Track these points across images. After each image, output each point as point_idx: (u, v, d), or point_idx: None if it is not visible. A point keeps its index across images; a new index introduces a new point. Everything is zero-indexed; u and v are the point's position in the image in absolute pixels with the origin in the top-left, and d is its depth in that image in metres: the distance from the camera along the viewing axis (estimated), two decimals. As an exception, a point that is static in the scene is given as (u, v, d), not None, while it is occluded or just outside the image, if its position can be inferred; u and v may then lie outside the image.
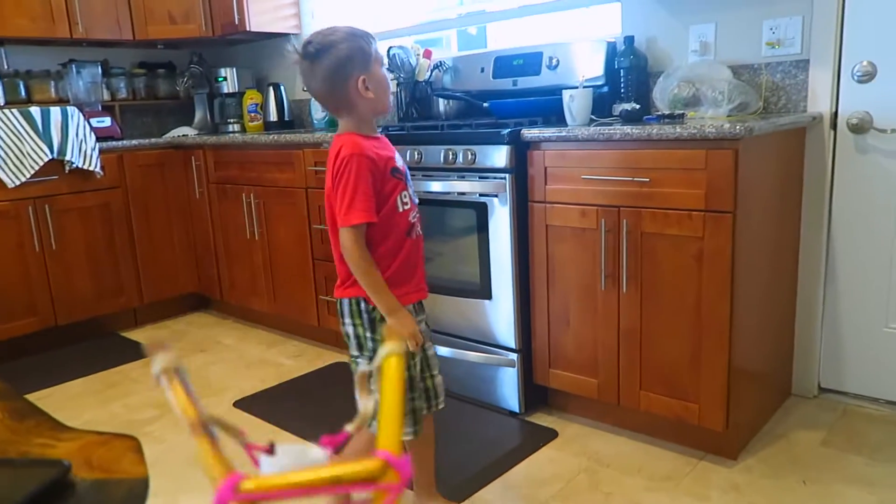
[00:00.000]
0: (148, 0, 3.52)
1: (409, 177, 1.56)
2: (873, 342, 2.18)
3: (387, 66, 1.54)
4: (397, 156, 1.54)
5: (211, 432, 0.28)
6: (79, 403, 2.58)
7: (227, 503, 0.26)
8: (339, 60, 1.43)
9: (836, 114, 2.13)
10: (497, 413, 2.29)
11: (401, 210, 1.50)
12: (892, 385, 2.16)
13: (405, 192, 1.51)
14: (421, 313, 1.61)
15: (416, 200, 1.58)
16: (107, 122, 3.41)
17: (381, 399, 0.31)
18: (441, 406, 1.65)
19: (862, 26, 2.05)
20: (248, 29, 3.42)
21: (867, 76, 2.07)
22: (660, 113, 2.14)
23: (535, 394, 2.30)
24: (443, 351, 2.33)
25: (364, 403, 0.31)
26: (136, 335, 3.34)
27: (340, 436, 0.29)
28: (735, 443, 1.94)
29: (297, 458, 0.29)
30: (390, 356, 0.32)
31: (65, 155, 3.01)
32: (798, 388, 2.32)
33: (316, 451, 0.30)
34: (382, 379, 0.32)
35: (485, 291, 2.24)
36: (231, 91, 3.80)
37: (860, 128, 2.08)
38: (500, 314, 2.23)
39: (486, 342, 2.29)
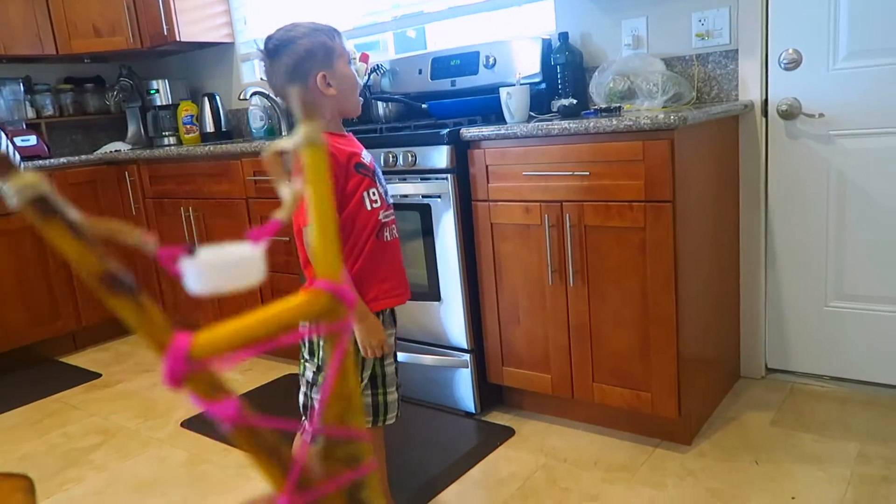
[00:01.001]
0: (70, 13, 3.38)
1: (381, 176, 1.51)
2: (815, 321, 2.24)
3: (350, 62, 1.48)
4: (365, 153, 1.49)
5: (125, 285, 0.23)
6: (14, 436, 2.45)
7: (181, 376, 0.23)
8: (298, 56, 1.39)
9: (766, 101, 2.18)
10: (453, 415, 2.27)
11: (369, 208, 1.44)
12: (835, 362, 2.23)
13: (373, 189, 1.45)
14: (391, 326, 1.54)
15: (391, 201, 1.52)
16: (32, 140, 3.26)
17: (313, 210, 0.27)
18: (390, 422, 1.56)
19: (786, 15, 2.11)
20: (178, 39, 3.32)
21: (793, 63, 2.12)
22: (597, 107, 2.16)
23: (491, 393, 2.28)
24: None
25: (289, 185, 0.27)
26: (76, 360, 3.20)
27: (268, 226, 0.26)
28: (688, 428, 1.97)
29: (226, 258, 0.25)
30: (310, 146, 0.27)
31: (-12, 176, 2.86)
32: (746, 370, 2.37)
33: (246, 247, 0.26)
34: (308, 177, 0.27)
35: (433, 293, 2.22)
36: (164, 103, 3.69)
37: (790, 114, 2.14)
38: (450, 315, 2.21)
39: (439, 344, 2.27)
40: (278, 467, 0.24)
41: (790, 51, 2.12)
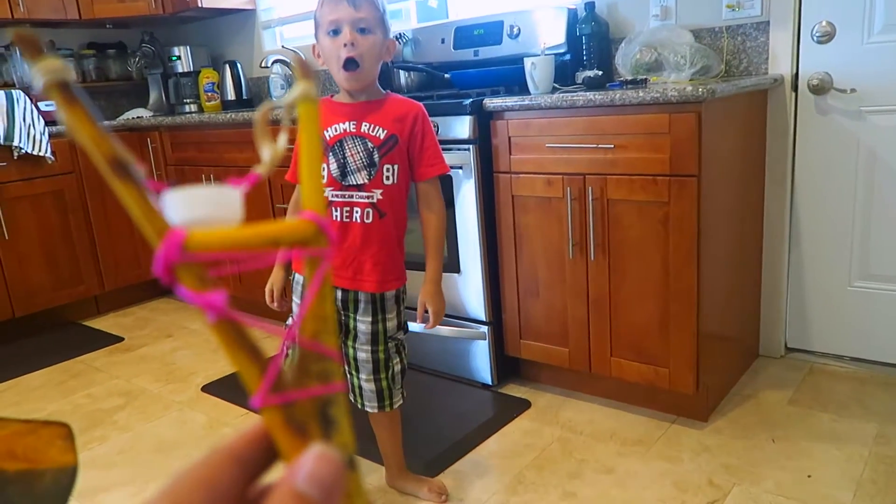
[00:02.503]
0: (93, -24, 3.38)
1: (347, 152, 1.47)
2: (838, 301, 2.21)
3: (331, 32, 1.43)
4: (336, 126, 1.47)
5: (133, 173, 0.24)
6: (41, 395, 2.50)
7: (174, 264, 0.24)
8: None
9: (796, 75, 2.13)
10: (470, 386, 2.29)
11: (324, 181, 1.45)
12: (856, 342, 2.21)
13: (324, 165, 1.46)
14: (350, 310, 1.54)
15: (357, 182, 1.47)
16: (55, 105, 3.27)
17: (303, 155, 0.29)
18: (367, 409, 1.61)
19: (820, -14, 2.05)
20: (200, 5, 3.31)
21: (826, 36, 2.07)
22: (623, 79, 2.12)
23: (508, 365, 2.29)
24: (414, 326, 2.31)
25: (267, 149, 0.29)
26: (99, 323, 3.26)
27: (249, 177, 0.27)
28: (705, 405, 1.96)
29: (205, 192, 0.26)
30: (304, 101, 0.30)
31: (12, 140, 2.89)
32: (765, 349, 2.35)
33: (229, 190, 0.27)
34: (301, 128, 0.30)
35: (453, 265, 2.22)
36: (186, 70, 3.69)
37: (820, 88, 2.09)
38: (469, 287, 2.21)
39: (457, 316, 2.27)
40: (256, 367, 0.26)
41: (823, 23, 2.06)
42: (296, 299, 1.60)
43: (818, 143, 2.14)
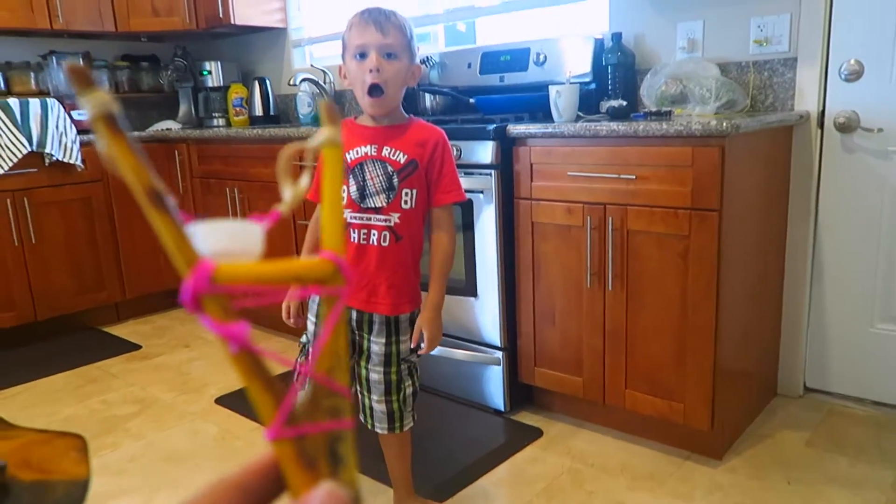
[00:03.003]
0: (131, -9, 3.47)
1: (367, 175, 1.48)
2: (859, 342, 2.18)
3: (357, 56, 1.45)
4: (357, 150, 1.49)
5: (167, 204, 0.26)
6: (57, 399, 2.53)
7: (202, 294, 0.25)
8: None
9: (823, 112, 2.12)
10: (482, 411, 2.27)
11: (343, 202, 1.47)
12: (877, 385, 2.16)
13: (343, 187, 1.48)
14: (364, 330, 1.55)
15: (375, 205, 1.48)
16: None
17: (326, 197, 0.31)
18: (377, 430, 1.61)
19: (849, 25, 2.04)
20: (232, 22, 3.38)
21: (854, 75, 2.06)
22: (647, 110, 2.13)
23: (521, 392, 2.28)
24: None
25: (289, 189, 0.31)
26: (117, 330, 3.30)
27: (271, 214, 0.29)
28: (720, 442, 1.93)
29: (229, 225, 0.28)
30: (330, 146, 0.32)
31: (44, 147, 2.96)
32: (783, 388, 2.31)
33: (252, 225, 0.29)
34: (325, 172, 0.32)
35: (470, 289, 2.22)
36: (216, 85, 3.76)
37: (847, 127, 2.08)
38: (485, 312, 2.21)
39: (472, 340, 2.27)
40: (272, 399, 0.27)
41: (852, 62, 2.05)
42: (310, 317, 1.61)
43: (843, 182, 2.12)
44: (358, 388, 1.59)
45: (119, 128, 0.26)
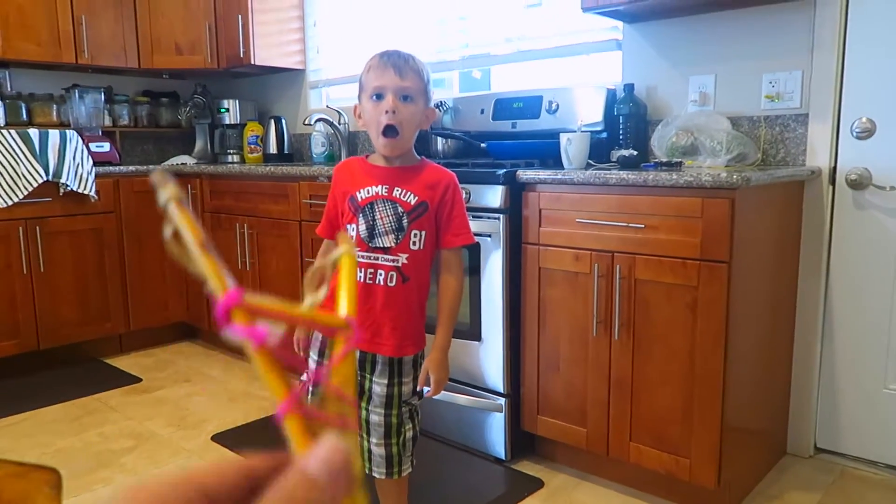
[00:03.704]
0: (155, 30, 3.56)
1: (377, 215, 1.48)
2: (872, 403, 2.12)
3: (374, 97, 1.47)
4: (366, 190, 1.49)
5: (212, 252, 0.32)
6: (53, 430, 2.50)
7: (232, 308, 0.30)
8: None
9: (834, 169, 2.12)
10: (482, 459, 2.22)
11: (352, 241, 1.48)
12: (890, 448, 2.10)
13: (352, 225, 1.50)
14: (366, 370, 1.53)
15: (383, 244, 1.48)
16: (106, 147, 3.40)
17: (343, 280, 0.37)
18: (374, 475, 1.57)
19: (861, 83, 2.05)
20: (252, 62, 3.45)
21: (866, 133, 2.06)
22: (657, 160, 2.13)
23: (523, 440, 2.23)
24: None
25: (313, 296, 0.35)
26: (119, 362, 3.28)
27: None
28: (727, 501, 1.87)
29: None
30: (346, 256, 0.39)
31: (60, 177, 3.00)
32: (793, 447, 2.25)
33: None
34: (342, 270, 0.38)
35: (475, 333, 2.19)
36: (233, 122, 3.82)
37: (859, 184, 2.07)
38: (489, 357, 2.18)
39: (475, 385, 2.23)
40: (285, 387, 0.30)
41: (864, 119, 2.06)
42: (312, 355, 1.59)
43: (855, 239, 2.10)
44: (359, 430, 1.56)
45: (184, 207, 0.34)
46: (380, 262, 1.49)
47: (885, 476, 2.10)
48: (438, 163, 2.48)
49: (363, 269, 1.50)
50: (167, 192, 0.33)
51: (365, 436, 1.55)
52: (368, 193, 1.50)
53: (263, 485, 0.27)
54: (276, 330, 0.31)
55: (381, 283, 1.49)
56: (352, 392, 0.32)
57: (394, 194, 1.49)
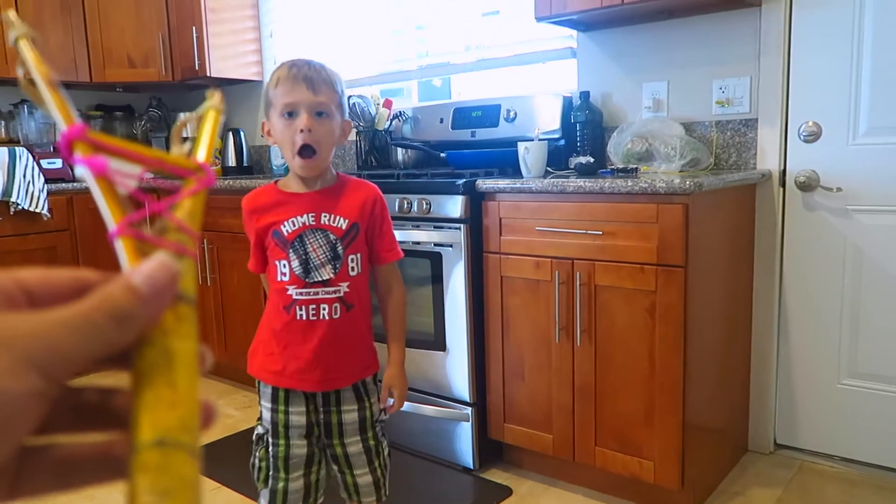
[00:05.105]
0: (107, 42, 3.48)
1: (309, 248, 1.38)
2: (827, 398, 2.18)
3: (286, 114, 1.36)
4: (293, 220, 1.38)
5: (60, 88, 0.31)
6: None
7: (75, 140, 0.30)
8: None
9: (784, 172, 2.18)
10: (451, 469, 2.22)
11: (278, 279, 1.39)
12: (846, 442, 2.16)
13: (283, 262, 1.38)
14: (331, 404, 1.46)
15: (322, 277, 1.37)
16: (58, 163, 3.32)
17: (204, 131, 0.37)
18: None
19: (806, 88, 2.12)
20: (208, 74, 3.40)
21: (813, 136, 2.12)
22: (614, 167, 2.17)
23: (490, 449, 2.24)
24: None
25: (178, 147, 0.35)
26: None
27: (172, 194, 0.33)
28: (691, 501, 1.91)
29: None
30: (211, 108, 0.39)
31: (10, 196, 2.91)
32: (754, 445, 2.30)
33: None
34: (205, 122, 0.38)
35: (439, 343, 2.19)
36: (190, 136, 3.75)
37: (807, 186, 2.13)
38: (454, 367, 2.18)
39: (441, 395, 2.23)
40: (122, 211, 0.31)
41: (810, 123, 2.12)
42: (265, 403, 1.49)
43: (806, 239, 2.16)
44: (337, 467, 1.50)
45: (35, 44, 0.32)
46: (320, 296, 1.39)
47: (841, 469, 2.16)
48: (398, 173, 2.48)
49: (304, 307, 1.38)
50: (17, 31, 0.32)
51: (346, 471, 1.49)
52: (294, 225, 1.38)
53: (90, 291, 0.28)
54: (131, 169, 0.31)
55: (326, 317, 1.39)
56: (196, 227, 0.33)
57: (322, 221, 1.39)
